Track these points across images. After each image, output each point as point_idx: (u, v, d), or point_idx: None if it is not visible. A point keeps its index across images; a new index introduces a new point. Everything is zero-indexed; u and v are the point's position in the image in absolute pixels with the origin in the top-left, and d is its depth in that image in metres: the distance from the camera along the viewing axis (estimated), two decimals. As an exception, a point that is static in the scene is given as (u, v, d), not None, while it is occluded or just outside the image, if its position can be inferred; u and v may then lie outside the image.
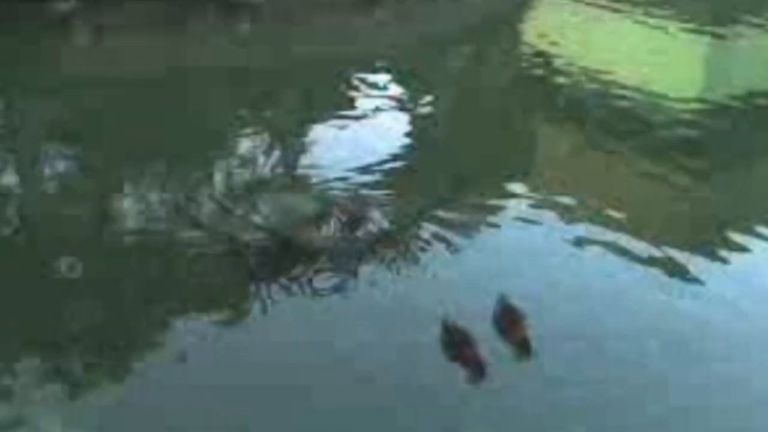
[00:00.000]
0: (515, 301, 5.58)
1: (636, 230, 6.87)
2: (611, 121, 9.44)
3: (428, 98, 10.02)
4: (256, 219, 6.57)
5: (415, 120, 9.29)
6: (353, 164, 7.73)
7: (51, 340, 5.41)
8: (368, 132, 8.75)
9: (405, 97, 9.79)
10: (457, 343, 5.26)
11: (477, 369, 5.11)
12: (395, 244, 6.38)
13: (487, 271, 6.22)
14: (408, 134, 8.85)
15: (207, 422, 4.72)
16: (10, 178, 7.48)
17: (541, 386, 5.11)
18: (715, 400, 5.12)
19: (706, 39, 12.50)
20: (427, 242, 6.49)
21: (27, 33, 10.22)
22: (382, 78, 10.22)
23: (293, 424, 4.76)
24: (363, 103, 9.45)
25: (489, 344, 5.28)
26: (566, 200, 7.32)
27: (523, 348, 5.30)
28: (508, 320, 5.48)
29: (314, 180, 7.48)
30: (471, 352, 5.16)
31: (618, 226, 6.92)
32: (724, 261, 6.64)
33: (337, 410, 4.84)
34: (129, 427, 4.72)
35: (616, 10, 13.22)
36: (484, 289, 5.86)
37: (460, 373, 5.14)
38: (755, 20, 13.27)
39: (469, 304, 5.67)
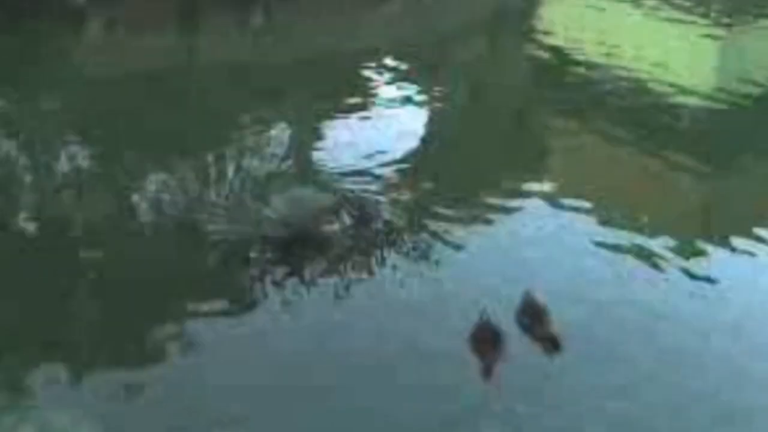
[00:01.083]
0: (540, 296, 5.55)
1: (647, 226, 6.87)
2: (624, 115, 9.38)
3: (440, 93, 10.01)
4: (269, 212, 6.57)
5: (426, 114, 9.29)
6: (365, 157, 7.75)
7: (59, 334, 5.43)
8: (380, 126, 8.74)
9: (417, 92, 9.78)
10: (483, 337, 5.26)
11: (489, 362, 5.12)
12: (404, 239, 6.41)
13: (497, 267, 6.22)
14: (419, 128, 8.85)
15: (215, 418, 4.69)
16: (25, 173, 7.52)
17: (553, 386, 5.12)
18: (723, 386, 5.16)
19: (718, 32, 12.44)
20: (437, 237, 6.50)
21: (41, 29, 10.25)
22: (393, 72, 10.22)
23: (301, 416, 4.76)
24: (375, 97, 9.45)
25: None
26: (576, 196, 7.29)
27: (553, 344, 5.27)
28: (532, 316, 5.45)
29: (326, 173, 7.50)
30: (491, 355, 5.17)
31: (631, 222, 6.90)
32: (734, 256, 6.63)
33: (351, 404, 4.86)
34: (134, 422, 4.70)
35: (627, 2, 13.16)
36: (494, 284, 5.89)
37: (474, 367, 5.13)
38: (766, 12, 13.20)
39: (478, 299, 5.66)
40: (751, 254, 6.63)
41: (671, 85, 10.04)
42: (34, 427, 4.59)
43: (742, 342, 5.55)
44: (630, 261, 6.41)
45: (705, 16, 12.74)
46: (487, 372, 5.08)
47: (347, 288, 5.89)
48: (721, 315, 5.82)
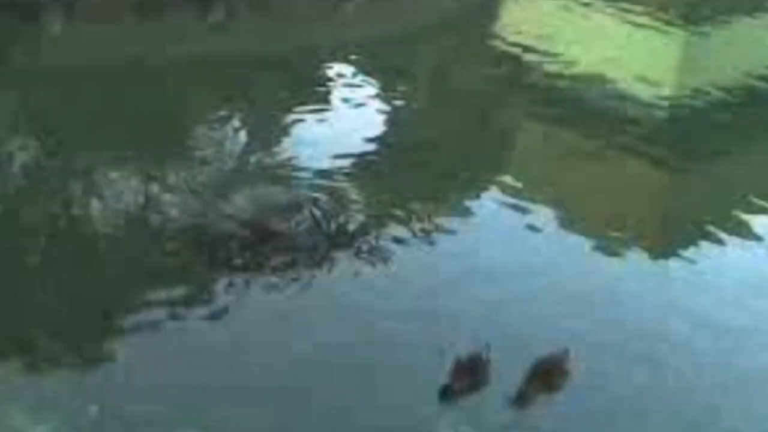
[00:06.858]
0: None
1: (609, 224, 6.96)
2: (583, 116, 9.44)
3: (404, 92, 10.00)
4: (230, 209, 6.57)
5: (388, 113, 9.29)
6: (328, 157, 7.73)
7: (14, 328, 5.40)
8: (343, 125, 8.71)
9: (378, 91, 9.76)
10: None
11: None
12: (365, 237, 6.41)
13: (456, 267, 6.25)
14: (381, 127, 8.84)
15: (174, 417, 4.71)
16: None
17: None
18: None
19: (680, 32, 12.52)
20: (396, 236, 6.51)
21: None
22: (357, 71, 10.19)
23: (255, 415, 4.78)
24: (338, 96, 9.42)
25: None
26: (539, 197, 7.34)
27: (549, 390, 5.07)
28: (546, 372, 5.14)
29: (287, 171, 7.48)
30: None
31: (593, 222, 7.03)
32: (701, 253, 6.76)
33: (306, 405, 4.89)
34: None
35: (587, 3, 13.21)
36: (453, 287, 5.96)
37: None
38: (728, 13, 13.30)
39: (434, 302, 5.76)
40: (710, 256, 6.74)
41: (632, 84, 10.09)
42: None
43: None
44: (594, 260, 6.50)
45: (665, 15, 12.80)
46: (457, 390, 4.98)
47: (306, 285, 5.89)
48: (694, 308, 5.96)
